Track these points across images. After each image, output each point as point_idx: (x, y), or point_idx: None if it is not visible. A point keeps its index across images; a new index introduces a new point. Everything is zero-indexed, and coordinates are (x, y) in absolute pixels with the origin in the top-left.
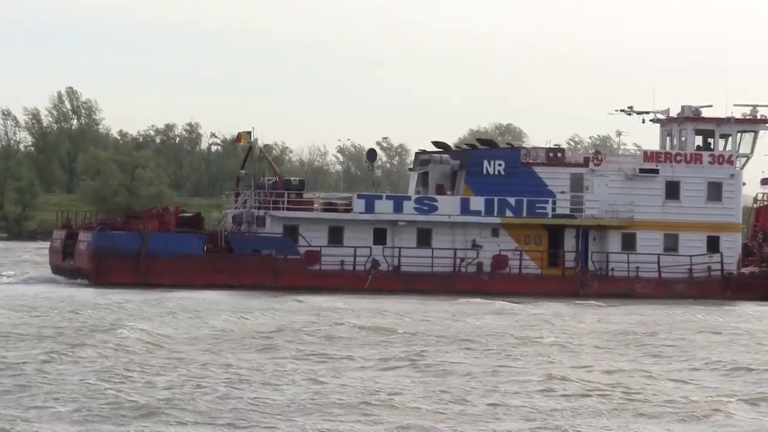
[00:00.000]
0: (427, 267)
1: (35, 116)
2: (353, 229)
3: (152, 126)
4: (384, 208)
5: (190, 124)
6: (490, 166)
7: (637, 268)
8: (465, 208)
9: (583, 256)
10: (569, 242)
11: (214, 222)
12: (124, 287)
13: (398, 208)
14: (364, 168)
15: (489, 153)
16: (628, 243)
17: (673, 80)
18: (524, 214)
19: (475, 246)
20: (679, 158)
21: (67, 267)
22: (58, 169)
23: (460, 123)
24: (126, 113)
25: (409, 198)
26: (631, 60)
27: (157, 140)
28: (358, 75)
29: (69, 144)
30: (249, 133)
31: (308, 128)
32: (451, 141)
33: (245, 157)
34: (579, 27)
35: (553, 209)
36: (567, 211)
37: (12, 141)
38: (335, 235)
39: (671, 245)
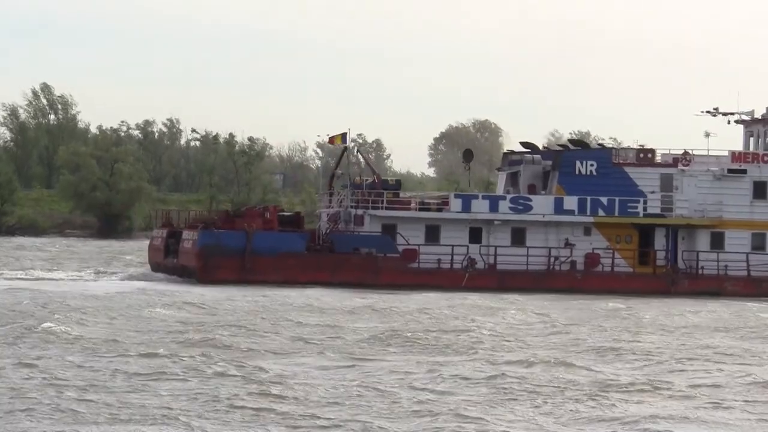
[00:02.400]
0: (522, 265)
1: (13, 112)
2: (450, 227)
3: (123, 122)
4: (480, 208)
5: (170, 119)
6: (583, 167)
7: (726, 266)
8: (558, 208)
9: (672, 254)
10: (659, 241)
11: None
12: (229, 284)
13: (494, 207)
14: (343, 163)
15: (581, 153)
16: (717, 242)
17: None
18: (616, 214)
19: (568, 244)
20: (766, 158)
21: (170, 265)
22: (37, 164)
23: (438, 118)
24: (104, 108)
25: (504, 197)
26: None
27: (136, 135)
28: (337, 70)
29: (47, 139)
30: (344, 134)
31: (287, 124)
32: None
33: (339, 158)
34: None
35: (644, 209)
36: (658, 211)
37: None
38: (432, 234)
39: (759, 244)
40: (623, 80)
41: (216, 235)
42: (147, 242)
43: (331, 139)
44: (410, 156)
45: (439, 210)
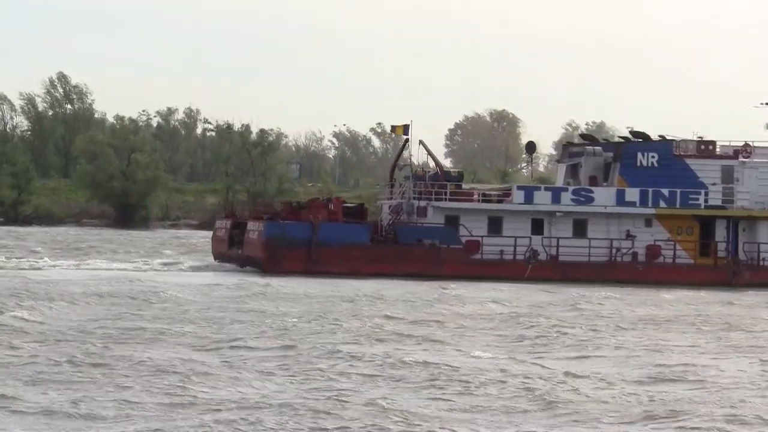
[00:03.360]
0: (584, 257)
1: (30, 101)
2: (512, 219)
3: (144, 111)
4: (542, 199)
5: (189, 109)
6: (644, 158)
7: None
8: (620, 199)
9: (733, 246)
10: (720, 233)
11: (209, 207)
12: (294, 275)
13: (556, 199)
14: (360, 153)
15: (642, 146)
16: None
17: None
18: (677, 205)
19: (629, 236)
20: None
21: (234, 255)
22: (54, 154)
23: (456, 108)
24: (120, 97)
25: (566, 189)
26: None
27: (154, 124)
28: (353, 60)
29: (63, 129)
30: (406, 126)
31: (304, 114)
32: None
33: (401, 149)
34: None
35: (705, 200)
36: (719, 203)
37: (8, 126)
38: (495, 225)
39: None
40: (638, 72)
41: (282, 226)
42: (163, 232)
43: (393, 129)
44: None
45: (500, 201)
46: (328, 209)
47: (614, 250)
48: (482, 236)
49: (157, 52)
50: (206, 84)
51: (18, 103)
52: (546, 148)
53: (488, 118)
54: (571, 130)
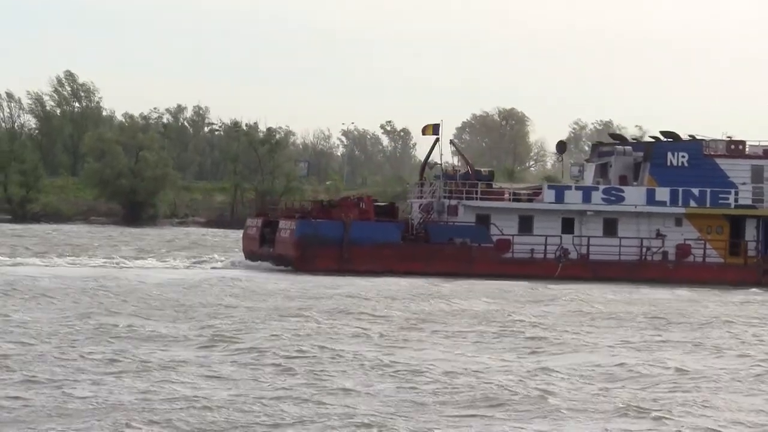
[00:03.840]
0: (614, 255)
1: (38, 99)
2: (542, 218)
3: (155, 109)
4: (573, 198)
5: (198, 107)
6: (674, 158)
7: None
8: (651, 199)
9: (763, 245)
10: (750, 232)
11: (217, 205)
12: (326, 274)
13: (586, 198)
14: (368, 151)
15: (672, 145)
16: None
17: None
18: (707, 205)
19: (660, 235)
20: None
21: (266, 253)
22: (62, 152)
23: (464, 106)
24: (127, 95)
25: (596, 188)
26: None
27: (162, 122)
28: (361, 58)
29: (72, 127)
30: (436, 125)
31: (312, 112)
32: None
33: (431, 149)
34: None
35: (735, 200)
36: (749, 202)
37: (16, 124)
38: (525, 224)
39: None
40: (640, 70)
41: (314, 225)
42: (172, 229)
43: (424, 129)
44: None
45: (530, 200)
46: (359, 208)
47: (644, 249)
48: (513, 235)
49: (163, 51)
50: (213, 83)
51: (26, 102)
52: (551, 146)
53: (497, 117)
54: (578, 129)
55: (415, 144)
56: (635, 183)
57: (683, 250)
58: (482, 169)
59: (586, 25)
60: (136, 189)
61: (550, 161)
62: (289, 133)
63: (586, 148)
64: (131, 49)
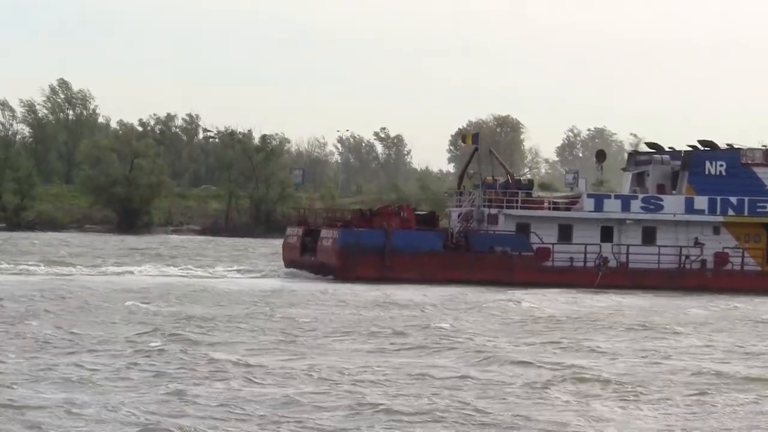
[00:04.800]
0: (653, 264)
1: (31, 107)
2: (582, 226)
3: (153, 115)
4: (612, 207)
5: (189, 115)
6: (712, 167)
7: None
8: (689, 207)
9: None
10: None
11: (212, 213)
12: (368, 282)
13: (626, 207)
14: (363, 159)
15: (710, 154)
16: None
17: None
18: (745, 213)
19: (698, 243)
20: None
21: (307, 262)
22: (56, 159)
23: (459, 114)
24: (122, 103)
25: (636, 197)
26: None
27: (157, 130)
28: (356, 65)
29: (66, 134)
30: (475, 135)
31: (308, 119)
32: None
33: (470, 158)
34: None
35: None
36: None
37: (10, 132)
38: (565, 233)
39: None
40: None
41: (356, 234)
42: (165, 237)
43: (463, 138)
44: (430, 152)
45: (568, 209)
46: (400, 216)
47: (683, 258)
48: (553, 244)
49: (157, 57)
50: (206, 90)
51: (19, 110)
52: (548, 153)
53: (492, 124)
54: (573, 136)
55: (410, 151)
56: (673, 192)
57: (721, 258)
58: (522, 178)
59: (581, 31)
60: (131, 196)
61: (544, 168)
62: (283, 141)
63: (581, 155)
64: (123, 56)
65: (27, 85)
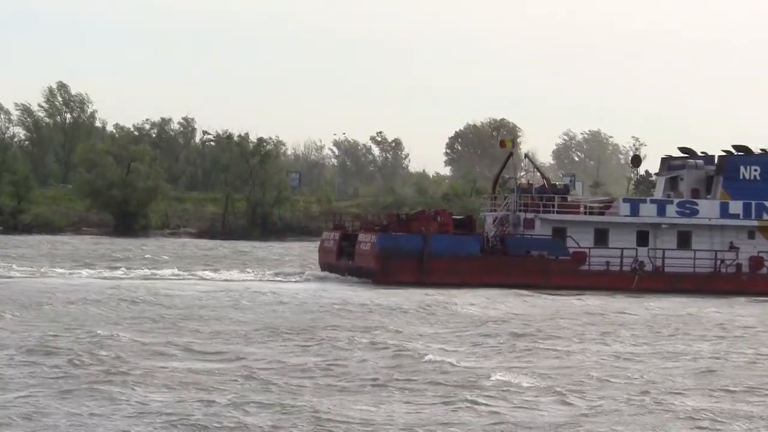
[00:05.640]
0: (688, 268)
1: (27, 110)
2: (618, 231)
3: (147, 120)
4: (648, 212)
5: (185, 118)
6: (746, 171)
7: None
8: (724, 212)
9: None
10: None
11: (208, 216)
12: (406, 286)
13: (661, 211)
14: (360, 162)
15: (745, 159)
16: None
17: None
18: None
19: (733, 248)
20: None
21: (343, 266)
22: (53, 162)
23: (455, 118)
24: (119, 106)
25: (671, 202)
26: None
27: (153, 133)
28: (353, 69)
29: (63, 137)
30: (513, 139)
31: (303, 123)
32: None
33: (505, 162)
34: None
35: None
36: None
37: (6, 135)
38: (601, 237)
39: None
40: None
41: (394, 238)
42: (167, 240)
43: (502, 143)
44: (426, 155)
45: (602, 214)
46: (437, 221)
47: (718, 262)
48: (589, 248)
49: (154, 60)
50: (202, 92)
51: (15, 113)
52: (544, 156)
53: (489, 127)
54: (568, 139)
55: (408, 155)
56: (708, 196)
57: (756, 262)
58: (557, 183)
59: (577, 35)
60: (128, 200)
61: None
62: (279, 144)
63: (576, 159)
64: (117, 59)
65: (23, 88)
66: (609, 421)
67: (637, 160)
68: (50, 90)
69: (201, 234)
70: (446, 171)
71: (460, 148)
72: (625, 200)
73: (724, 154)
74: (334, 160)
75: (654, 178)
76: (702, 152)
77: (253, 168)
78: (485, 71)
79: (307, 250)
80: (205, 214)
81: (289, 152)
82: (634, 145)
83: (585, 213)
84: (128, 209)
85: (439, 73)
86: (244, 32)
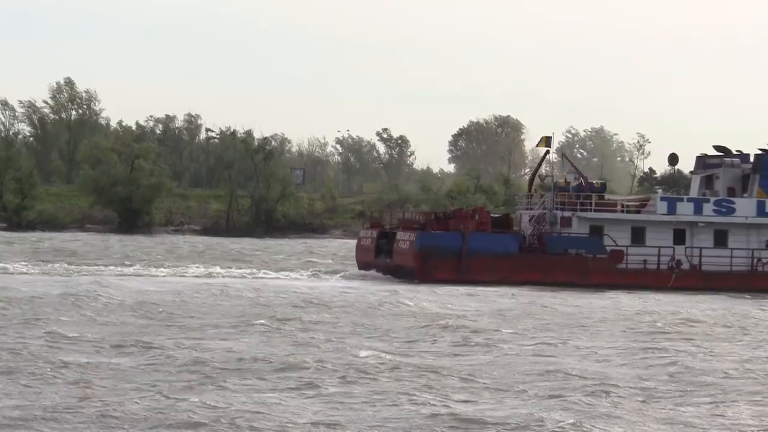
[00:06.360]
0: (725, 266)
1: (32, 107)
2: (654, 229)
3: (151, 117)
4: (685, 210)
5: (189, 115)
6: None
7: None
8: (761, 210)
9: None
10: None
11: (213, 213)
12: (445, 284)
13: (698, 209)
14: (363, 159)
15: None
16: None
17: None
18: None
19: None
20: None
21: (381, 264)
22: (57, 159)
23: (459, 115)
24: (124, 103)
25: (708, 200)
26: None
27: (157, 131)
28: (356, 66)
29: (68, 134)
30: (549, 138)
31: (307, 119)
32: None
33: (541, 161)
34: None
35: None
36: None
37: (11, 132)
38: (638, 235)
39: None
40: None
41: (434, 236)
42: (166, 237)
43: (539, 142)
44: (430, 152)
45: (637, 212)
46: (475, 219)
47: (755, 260)
48: (626, 246)
49: (158, 58)
50: (206, 90)
51: (19, 110)
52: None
53: (493, 124)
54: (571, 136)
55: (413, 152)
56: (744, 195)
57: None
58: (594, 181)
59: (580, 32)
60: (132, 197)
61: (545, 168)
62: (284, 141)
63: (579, 156)
64: (122, 56)
65: (27, 86)
66: None
67: (674, 159)
68: (57, 86)
69: (205, 231)
70: (450, 168)
71: (464, 145)
72: (662, 199)
73: (761, 152)
74: (337, 157)
75: (657, 175)
76: (737, 151)
77: (257, 165)
78: (489, 68)
79: (315, 248)
80: (209, 211)
81: (293, 149)
82: (638, 141)
83: (622, 211)
84: (132, 206)
85: (442, 69)
86: (249, 29)
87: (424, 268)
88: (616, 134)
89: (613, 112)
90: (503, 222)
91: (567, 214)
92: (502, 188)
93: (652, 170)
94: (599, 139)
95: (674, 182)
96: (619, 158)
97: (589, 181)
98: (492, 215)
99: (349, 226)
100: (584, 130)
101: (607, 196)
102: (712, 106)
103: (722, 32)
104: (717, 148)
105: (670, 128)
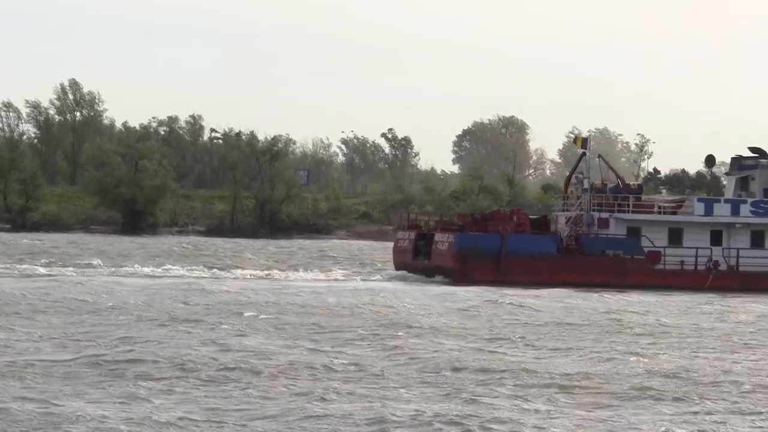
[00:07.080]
0: (763, 267)
1: (36, 108)
2: (692, 230)
3: (154, 118)
4: (722, 211)
5: (192, 116)
6: None
7: None
8: None
9: None
10: None
11: (217, 214)
12: (484, 285)
13: (735, 211)
14: (368, 160)
15: None
16: None
17: None
18: None
19: None
20: None
21: (419, 265)
22: (62, 160)
23: (464, 115)
24: (127, 104)
25: (745, 201)
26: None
27: (161, 131)
28: (362, 67)
29: (72, 136)
30: (585, 139)
31: (311, 120)
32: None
33: (578, 161)
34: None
35: None
36: None
37: (15, 133)
38: (675, 236)
39: None
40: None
41: (472, 238)
42: (171, 239)
43: (575, 141)
44: (434, 153)
45: (674, 213)
46: (514, 221)
47: None
48: (663, 247)
49: (162, 59)
50: (210, 91)
51: (24, 111)
52: (551, 154)
53: (497, 124)
54: (574, 137)
55: (418, 153)
56: None
57: None
58: (631, 183)
59: (581, 32)
60: (136, 198)
61: (549, 169)
62: (289, 142)
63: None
64: (126, 57)
65: (32, 87)
66: None
67: (710, 160)
68: (62, 87)
69: (209, 232)
70: (454, 169)
71: (468, 145)
72: (699, 200)
73: None
74: (342, 158)
75: (662, 174)
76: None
77: (262, 166)
78: (489, 68)
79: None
80: (214, 212)
81: (297, 150)
82: (640, 142)
83: (659, 212)
84: (136, 207)
85: (446, 70)
86: (252, 30)
87: (464, 269)
88: (620, 134)
89: (614, 113)
90: (541, 223)
91: (604, 215)
92: (506, 189)
93: (656, 170)
94: (604, 139)
95: (678, 182)
96: (623, 159)
97: (626, 182)
98: (531, 216)
99: (354, 227)
100: (588, 131)
101: (644, 198)
102: (712, 106)
103: (722, 32)
104: (752, 149)
105: (670, 128)
